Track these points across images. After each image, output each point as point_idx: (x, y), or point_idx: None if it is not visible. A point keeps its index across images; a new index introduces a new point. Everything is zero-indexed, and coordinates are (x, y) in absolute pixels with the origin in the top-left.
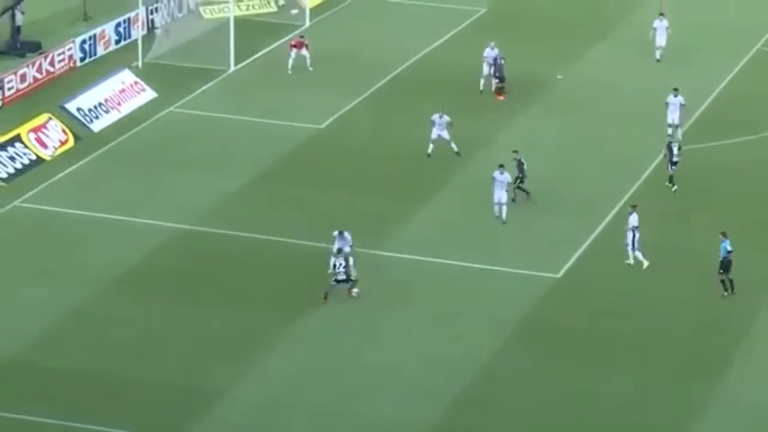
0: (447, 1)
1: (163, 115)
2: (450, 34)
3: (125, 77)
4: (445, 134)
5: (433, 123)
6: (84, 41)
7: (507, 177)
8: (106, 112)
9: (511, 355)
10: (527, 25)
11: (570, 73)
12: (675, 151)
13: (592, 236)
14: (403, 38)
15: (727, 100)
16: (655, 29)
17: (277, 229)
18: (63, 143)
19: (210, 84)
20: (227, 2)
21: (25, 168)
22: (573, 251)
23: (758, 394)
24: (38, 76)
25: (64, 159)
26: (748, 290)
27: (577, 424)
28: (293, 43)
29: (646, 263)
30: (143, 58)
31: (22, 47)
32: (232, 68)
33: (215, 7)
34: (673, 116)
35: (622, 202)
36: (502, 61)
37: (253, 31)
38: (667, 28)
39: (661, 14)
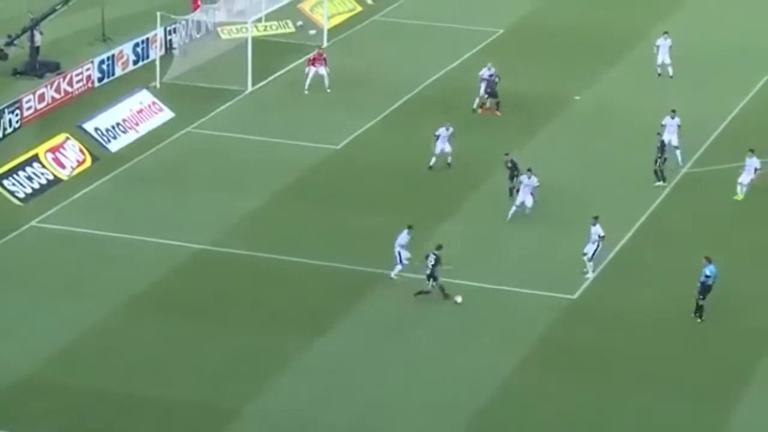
0: (464, 23)
1: (180, 135)
2: (467, 55)
3: (143, 97)
4: (448, 147)
5: (437, 137)
6: (102, 61)
7: (534, 181)
8: (124, 132)
9: (528, 374)
10: (544, 46)
11: (588, 94)
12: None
13: (609, 257)
14: (420, 59)
15: (744, 119)
16: (658, 47)
17: (296, 248)
18: (80, 163)
19: (227, 104)
20: (245, 23)
21: (43, 188)
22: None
23: None
24: (56, 96)
25: (82, 179)
26: None
27: None
28: (312, 56)
29: (590, 273)
30: (161, 78)
31: (40, 67)
32: (250, 88)
33: (233, 27)
34: (671, 136)
35: (638, 223)
36: (496, 80)
37: (270, 51)
38: (670, 46)
39: (666, 32)
